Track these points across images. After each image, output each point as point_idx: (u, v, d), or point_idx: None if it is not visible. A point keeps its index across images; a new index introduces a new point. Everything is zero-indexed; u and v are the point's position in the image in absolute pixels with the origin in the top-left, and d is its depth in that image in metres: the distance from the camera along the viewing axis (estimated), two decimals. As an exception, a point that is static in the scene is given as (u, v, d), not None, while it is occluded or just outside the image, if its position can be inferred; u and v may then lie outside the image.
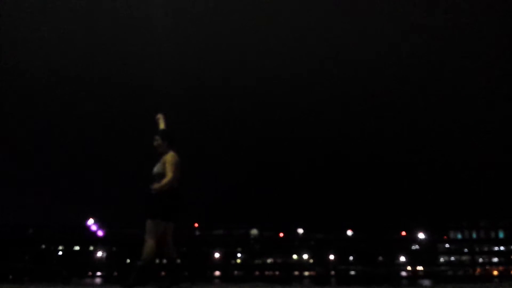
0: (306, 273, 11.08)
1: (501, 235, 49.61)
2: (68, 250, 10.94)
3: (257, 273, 9.66)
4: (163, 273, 4.58)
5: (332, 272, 8.75)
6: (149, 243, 4.32)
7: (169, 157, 4.54)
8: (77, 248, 10.79)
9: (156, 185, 4.42)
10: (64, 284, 7.24)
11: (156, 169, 4.54)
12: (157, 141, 4.70)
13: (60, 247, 10.60)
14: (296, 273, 10.61)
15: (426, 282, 11.36)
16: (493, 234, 52.24)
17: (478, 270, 12.32)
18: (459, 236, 52.14)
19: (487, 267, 33.23)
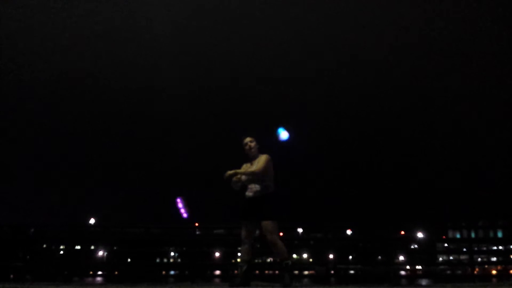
0: (306, 272, 11.14)
1: (499, 234, 49.64)
2: (69, 249, 10.97)
3: (257, 272, 9.69)
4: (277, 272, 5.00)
5: (332, 271, 8.78)
6: (280, 243, 4.50)
7: (265, 156, 4.70)
8: (78, 247, 10.82)
9: (240, 173, 4.62)
10: (66, 283, 7.28)
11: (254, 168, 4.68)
12: (252, 143, 4.76)
13: (61, 246, 10.64)
14: (296, 272, 10.65)
15: (425, 281, 11.42)
16: (491, 234, 52.28)
17: (477, 269, 12.39)
18: (458, 235, 52.17)
19: (485, 266, 33.30)
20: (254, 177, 4.61)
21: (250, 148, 4.74)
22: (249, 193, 4.69)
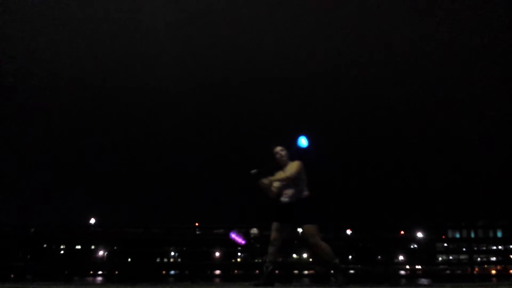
0: (306, 272, 11.11)
1: (499, 234, 49.66)
2: (69, 249, 10.96)
3: (257, 272, 9.69)
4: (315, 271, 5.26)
5: (332, 271, 8.77)
6: (323, 244, 4.79)
7: (297, 163, 4.93)
8: (78, 247, 10.83)
9: (270, 180, 4.81)
10: (66, 283, 7.28)
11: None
12: (283, 152, 5.00)
13: (62, 246, 10.64)
14: (296, 272, 10.64)
15: (425, 281, 11.41)
16: (491, 234, 52.30)
17: (476, 269, 12.40)
18: (457, 235, 52.16)
19: (485, 266, 33.35)
20: (287, 181, 4.81)
21: (281, 156, 4.98)
22: (284, 199, 4.91)
